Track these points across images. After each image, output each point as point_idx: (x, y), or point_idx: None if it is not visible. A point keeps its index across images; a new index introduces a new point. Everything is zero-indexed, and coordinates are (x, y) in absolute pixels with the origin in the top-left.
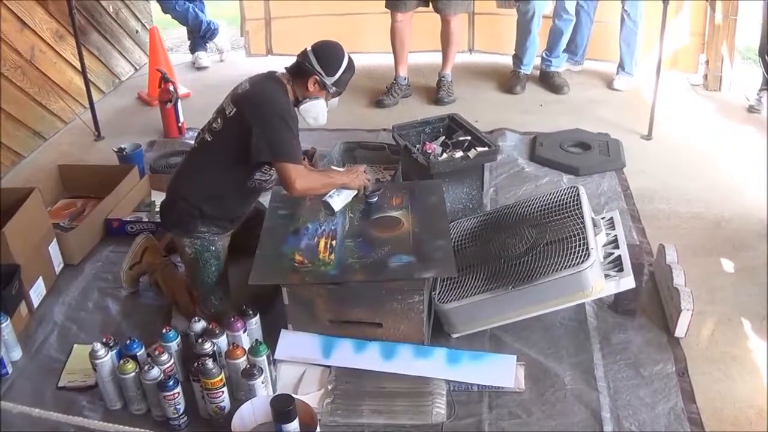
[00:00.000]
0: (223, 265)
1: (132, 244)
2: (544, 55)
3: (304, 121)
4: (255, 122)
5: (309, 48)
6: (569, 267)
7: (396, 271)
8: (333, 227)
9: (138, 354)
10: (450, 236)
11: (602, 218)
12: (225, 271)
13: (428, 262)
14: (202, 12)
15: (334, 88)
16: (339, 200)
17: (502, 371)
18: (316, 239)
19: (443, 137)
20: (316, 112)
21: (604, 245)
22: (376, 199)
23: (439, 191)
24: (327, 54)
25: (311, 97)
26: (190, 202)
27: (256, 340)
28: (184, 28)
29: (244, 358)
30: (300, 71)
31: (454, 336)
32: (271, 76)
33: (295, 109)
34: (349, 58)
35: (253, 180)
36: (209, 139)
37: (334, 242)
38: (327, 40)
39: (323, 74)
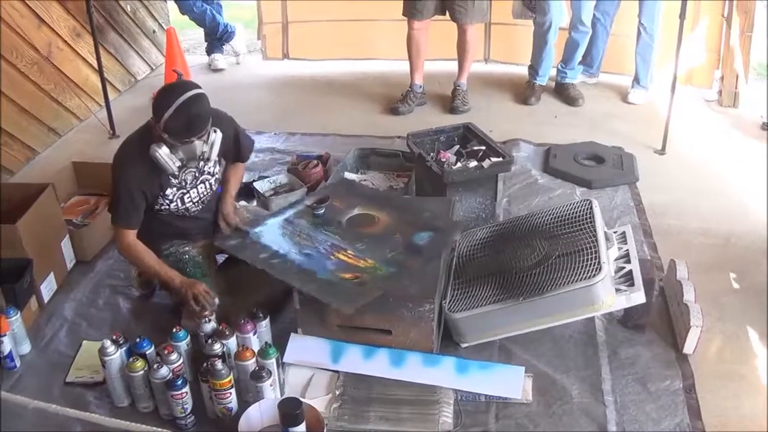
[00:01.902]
0: (209, 270)
1: None
2: (560, 67)
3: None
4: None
5: None
6: (580, 280)
7: (437, 243)
8: (329, 243)
9: (147, 352)
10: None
11: (614, 232)
12: (214, 274)
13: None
14: (220, 14)
15: (165, 135)
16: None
17: (510, 382)
18: (334, 257)
19: (458, 146)
20: (156, 160)
21: (615, 259)
22: (323, 211)
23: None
24: (159, 97)
25: (155, 143)
26: (145, 224)
27: (266, 342)
28: (201, 29)
29: (253, 360)
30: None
31: (464, 345)
32: (148, 121)
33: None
34: (181, 106)
35: (158, 214)
36: None
37: (350, 251)
38: (176, 82)
39: (155, 118)
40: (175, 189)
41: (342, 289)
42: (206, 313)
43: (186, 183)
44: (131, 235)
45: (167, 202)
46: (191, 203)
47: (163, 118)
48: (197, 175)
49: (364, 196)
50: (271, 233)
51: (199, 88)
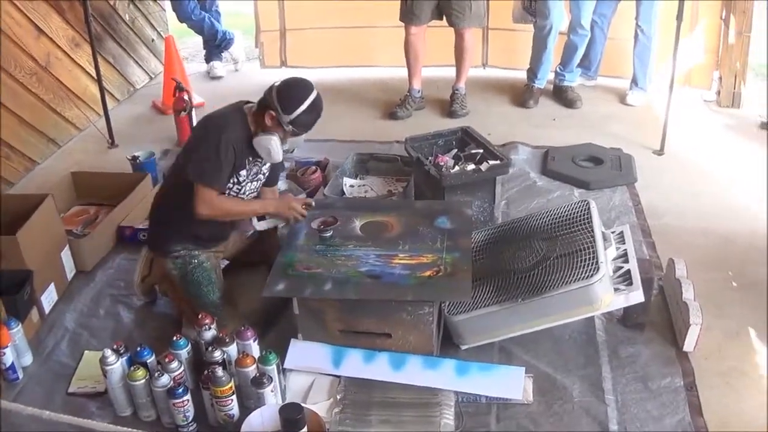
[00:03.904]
0: (216, 279)
1: (139, 256)
2: (558, 70)
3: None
4: (192, 141)
5: (277, 82)
6: (578, 280)
7: (461, 219)
8: (374, 255)
9: (148, 361)
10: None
11: (612, 232)
12: (220, 282)
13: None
14: (218, 22)
15: (290, 127)
16: (263, 223)
17: (510, 383)
18: (394, 264)
19: (456, 150)
20: (267, 147)
21: (613, 259)
22: (330, 233)
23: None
24: (289, 92)
25: (266, 132)
26: (160, 223)
27: (266, 349)
28: (200, 37)
29: (254, 366)
30: (262, 104)
31: (464, 347)
32: (237, 105)
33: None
34: (314, 102)
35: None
36: (176, 161)
37: (402, 255)
38: (298, 78)
39: (280, 111)
40: (245, 173)
41: (440, 285)
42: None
43: (251, 174)
44: (216, 193)
45: (236, 182)
46: (245, 195)
47: (297, 110)
48: (259, 173)
49: (352, 208)
50: (306, 266)
51: None
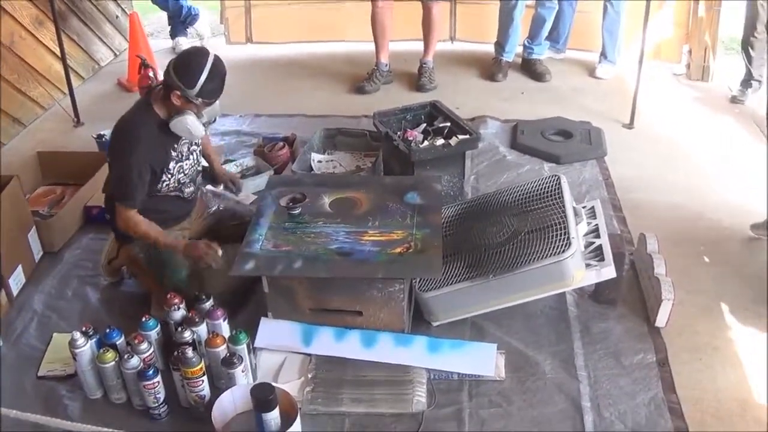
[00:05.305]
0: (187, 262)
1: (108, 238)
2: (526, 43)
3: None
4: (110, 154)
5: (171, 61)
6: (550, 256)
7: (431, 195)
8: (344, 232)
9: (117, 343)
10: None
11: (583, 207)
12: (190, 265)
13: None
14: None
15: (199, 100)
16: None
17: (482, 360)
18: (365, 241)
19: (424, 124)
20: (185, 127)
21: (585, 234)
22: (299, 211)
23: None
24: (184, 65)
25: (179, 113)
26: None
27: (236, 328)
28: (165, 13)
29: (224, 346)
30: (165, 86)
31: (435, 324)
32: (144, 100)
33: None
34: (213, 66)
35: (154, 197)
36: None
37: (371, 231)
38: (189, 49)
39: (183, 88)
40: (174, 162)
41: (411, 262)
42: (215, 266)
43: (182, 155)
44: (132, 210)
45: (169, 176)
46: (183, 175)
47: (199, 82)
48: (189, 146)
49: (320, 184)
50: (275, 244)
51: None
